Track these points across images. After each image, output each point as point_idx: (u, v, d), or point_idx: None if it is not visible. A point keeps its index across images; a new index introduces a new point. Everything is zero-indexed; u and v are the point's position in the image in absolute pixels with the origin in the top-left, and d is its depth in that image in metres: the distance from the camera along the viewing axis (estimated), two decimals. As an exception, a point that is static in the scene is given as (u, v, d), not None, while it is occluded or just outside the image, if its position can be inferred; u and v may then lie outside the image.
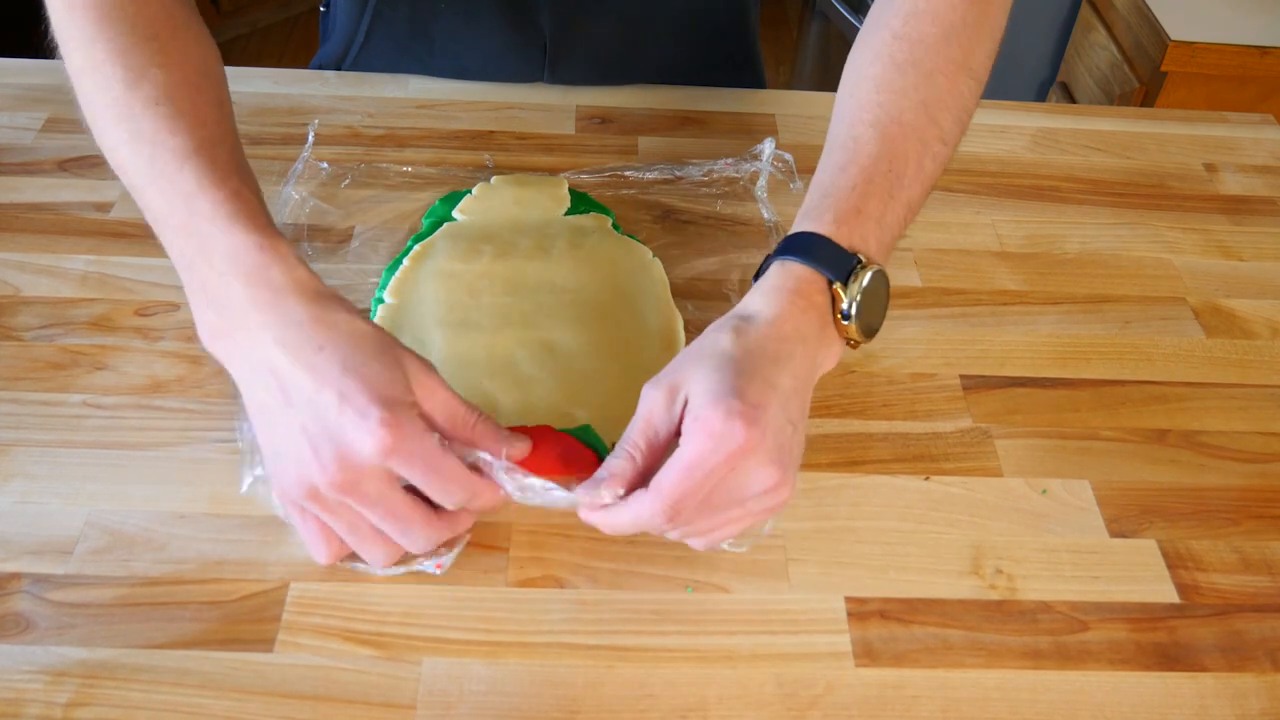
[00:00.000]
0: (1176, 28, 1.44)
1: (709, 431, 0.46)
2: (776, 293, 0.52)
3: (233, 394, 0.61)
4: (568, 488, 0.49)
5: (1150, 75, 1.48)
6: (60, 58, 0.56)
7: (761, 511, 0.50)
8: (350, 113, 0.83)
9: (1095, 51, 1.64)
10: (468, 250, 0.68)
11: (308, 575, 0.53)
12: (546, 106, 0.85)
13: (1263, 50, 1.44)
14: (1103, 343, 0.69)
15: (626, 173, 0.78)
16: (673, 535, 0.51)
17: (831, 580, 0.54)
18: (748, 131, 0.85)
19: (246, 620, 0.51)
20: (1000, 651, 0.52)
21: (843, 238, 0.52)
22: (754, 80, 0.97)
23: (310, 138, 0.78)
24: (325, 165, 0.77)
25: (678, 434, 0.48)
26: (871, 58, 0.58)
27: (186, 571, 0.53)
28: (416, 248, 0.69)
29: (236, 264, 0.49)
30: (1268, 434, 0.64)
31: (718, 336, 0.50)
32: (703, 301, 0.69)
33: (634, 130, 0.84)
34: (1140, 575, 0.56)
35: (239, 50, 2.62)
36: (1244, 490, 0.61)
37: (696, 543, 0.52)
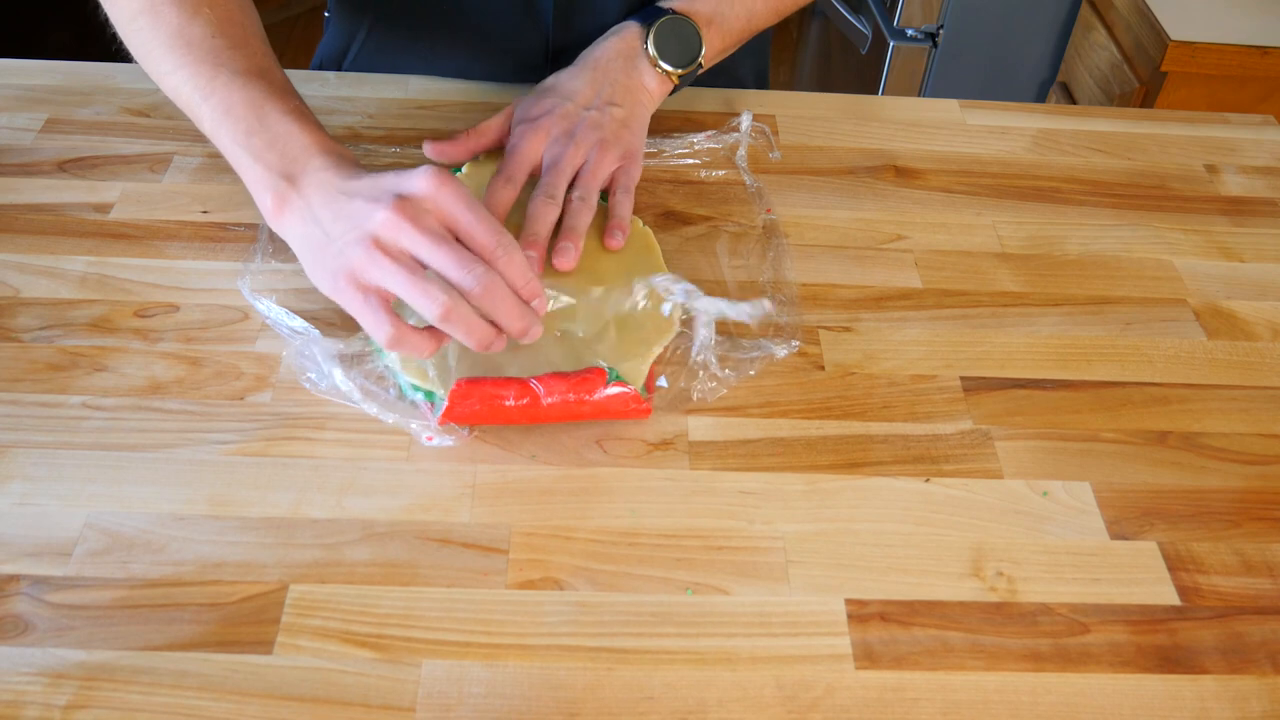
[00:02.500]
0: (1176, 28, 1.44)
1: (524, 130, 0.71)
2: (604, 38, 0.77)
3: (232, 396, 0.61)
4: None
5: (1150, 75, 1.48)
6: (106, 20, 0.68)
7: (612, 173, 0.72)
8: (350, 113, 0.83)
9: (1095, 51, 1.64)
10: None
11: (307, 577, 0.53)
12: (546, 107, 0.85)
13: (1263, 50, 1.44)
14: (1103, 344, 0.69)
15: None
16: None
17: (831, 582, 0.54)
18: (749, 132, 0.84)
19: (245, 622, 0.51)
20: (1001, 654, 0.52)
21: (664, 4, 0.76)
22: (757, 76, 0.97)
23: None
24: None
25: (499, 140, 0.75)
26: None
27: (185, 573, 0.52)
28: None
29: (314, 148, 0.60)
30: (1269, 436, 0.64)
31: (532, 120, 0.72)
32: (693, 267, 0.71)
33: (634, 131, 0.84)
34: (1141, 577, 0.56)
35: (239, 50, 2.61)
36: (1245, 492, 0.61)
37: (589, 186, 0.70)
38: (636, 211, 0.74)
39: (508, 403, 0.57)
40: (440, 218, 0.56)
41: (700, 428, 0.61)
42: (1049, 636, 0.53)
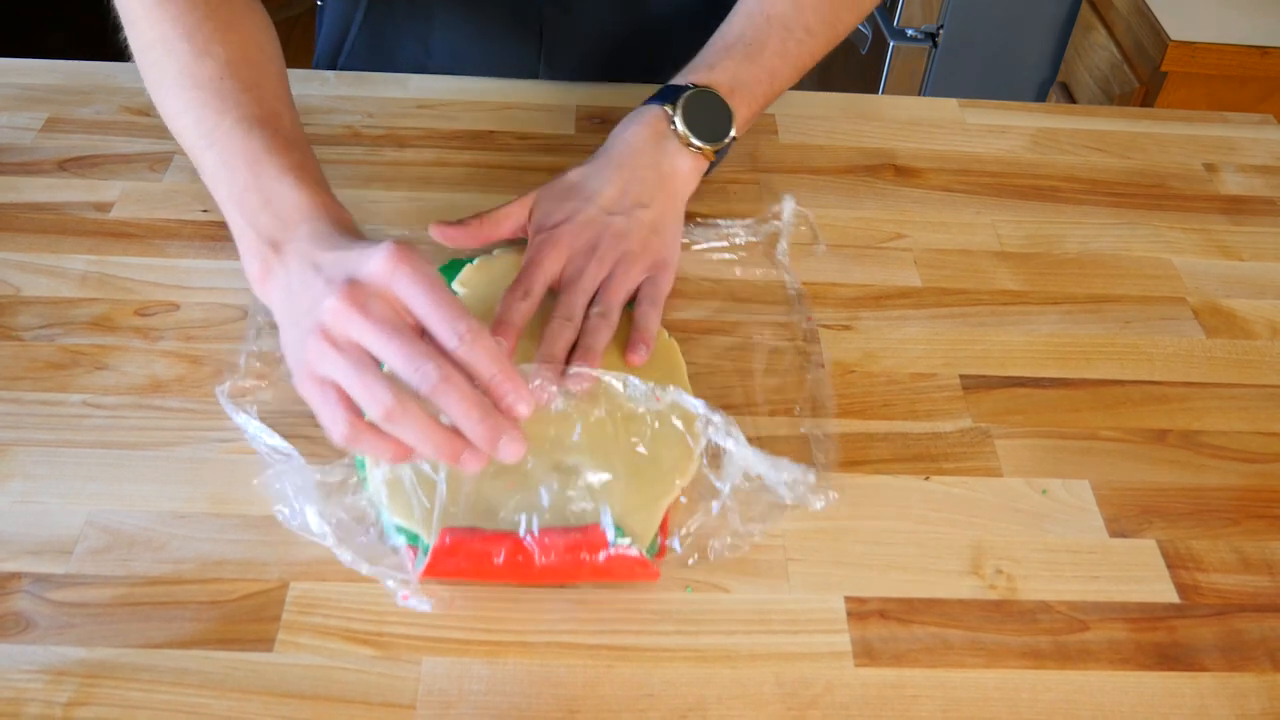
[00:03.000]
0: (1176, 28, 1.44)
1: (540, 241, 0.65)
2: (625, 125, 0.70)
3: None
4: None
5: (1150, 75, 1.48)
6: (125, 42, 0.64)
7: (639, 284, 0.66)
8: (350, 113, 0.83)
9: (1095, 51, 1.64)
10: None
11: (307, 575, 0.53)
12: (547, 106, 0.85)
13: (1263, 50, 1.44)
14: (1103, 343, 0.69)
15: None
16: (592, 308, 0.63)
17: (831, 580, 0.54)
18: (748, 131, 0.84)
19: (246, 620, 0.51)
20: (1000, 651, 0.52)
21: (685, 80, 0.70)
22: None
23: None
24: None
25: (513, 235, 0.69)
26: None
27: (186, 571, 0.53)
28: None
29: (302, 213, 0.56)
30: (1267, 434, 0.64)
31: (573, 169, 0.69)
32: (723, 386, 0.64)
33: (634, 130, 0.84)
34: (1140, 575, 0.56)
35: (239, 50, 2.61)
36: (1244, 490, 0.61)
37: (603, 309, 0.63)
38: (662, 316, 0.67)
39: (497, 560, 0.51)
40: (394, 304, 0.49)
41: (700, 426, 0.61)
42: (1048, 634, 0.53)
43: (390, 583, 0.52)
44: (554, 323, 0.61)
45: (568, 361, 0.60)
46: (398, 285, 0.49)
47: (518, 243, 0.72)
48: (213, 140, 0.58)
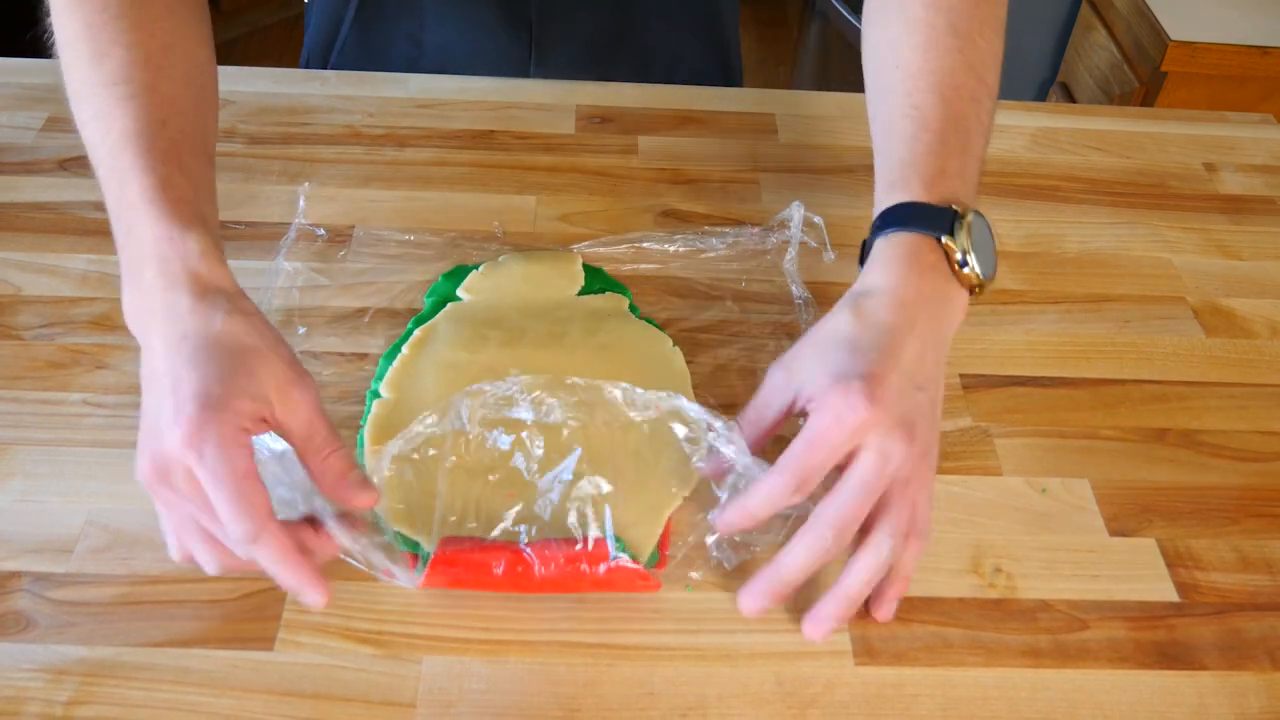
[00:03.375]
0: (1176, 28, 1.44)
1: (830, 406, 0.48)
2: (890, 263, 0.53)
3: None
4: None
5: (1150, 75, 1.48)
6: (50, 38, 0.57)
7: (913, 503, 0.50)
8: (350, 112, 0.83)
9: (1095, 51, 1.64)
10: (472, 336, 0.63)
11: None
12: (546, 106, 0.85)
13: (1263, 50, 1.44)
14: (1102, 342, 0.69)
15: (645, 244, 0.73)
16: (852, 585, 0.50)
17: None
18: (748, 131, 0.85)
19: (247, 619, 0.51)
20: (999, 650, 0.52)
21: (934, 197, 0.54)
22: (730, 70, 0.98)
23: (301, 203, 0.72)
24: (322, 231, 0.72)
25: (788, 416, 0.52)
26: (909, 29, 0.60)
27: (186, 570, 0.52)
28: (417, 332, 0.64)
29: (151, 251, 0.49)
30: (1267, 433, 0.64)
31: (837, 317, 0.52)
32: (728, 390, 0.63)
33: (634, 130, 0.84)
34: (1140, 574, 0.56)
35: (239, 50, 2.62)
36: (1243, 489, 0.61)
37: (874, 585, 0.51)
38: (662, 326, 0.66)
39: (496, 571, 0.51)
40: (195, 483, 0.46)
41: (700, 425, 0.61)
42: (1048, 633, 0.53)
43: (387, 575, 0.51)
44: (814, 533, 0.49)
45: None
46: (190, 465, 0.45)
47: (524, 249, 0.72)
48: (100, 158, 0.53)
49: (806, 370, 0.51)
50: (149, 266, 0.49)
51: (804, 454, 0.48)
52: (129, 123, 0.52)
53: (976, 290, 0.54)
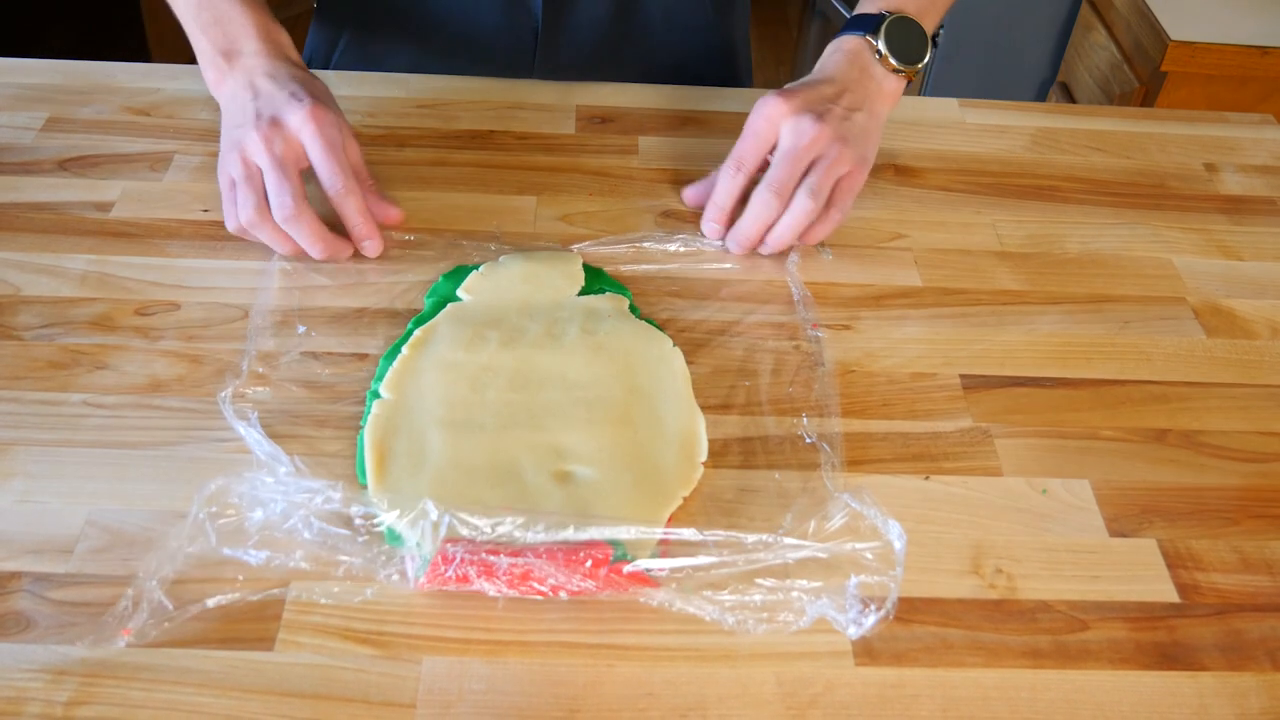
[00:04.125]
0: (1176, 28, 1.44)
1: (754, 110, 0.70)
2: (825, 56, 0.74)
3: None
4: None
5: (1150, 75, 1.48)
6: None
7: (843, 180, 0.70)
8: (350, 112, 0.83)
9: (1095, 51, 1.64)
10: (472, 337, 0.63)
11: (308, 574, 0.53)
12: (547, 106, 0.85)
13: (1263, 50, 1.44)
14: (1103, 342, 0.69)
15: (645, 244, 0.73)
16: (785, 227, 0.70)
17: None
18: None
19: (246, 619, 0.51)
20: (1000, 651, 0.52)
21: (874, 9, 0.74)
22: (737, 71, 0.98)
23: None
24: None
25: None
26: None
27: (186, 572, 0.52)
28: (417, 333, 0.64)
29: (249, 31, 0.70)
30: (1268, 434, 0.64)
31: (782, 91, 0.71)
32: (728, 389, 0.63)
33: (634, 130, 0.84)
34: (1140, 575, 0.56)
35: (239, 50, 2.61)
36: (1244, 490, 0.61)
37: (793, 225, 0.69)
38: (662, 326, 0.67)
39: (496, 572, 0.51)
40: (296, 150, 0.66)
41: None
42: (1048, 633, 0.53)
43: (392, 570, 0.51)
44: (761, 195, 0.69)
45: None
46: (305, 138, 0.66)
47: (524, 249, 0.72)
48: None
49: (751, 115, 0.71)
50: (248, 44, 0.70)
51: (738, 144, 0.71)
52: None
53: (899, 72, 0.73)
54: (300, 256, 0.68)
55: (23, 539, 0.53)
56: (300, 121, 0.65)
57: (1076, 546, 0.57)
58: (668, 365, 0.63)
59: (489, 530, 0.53)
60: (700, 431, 0.59)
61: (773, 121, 0.69)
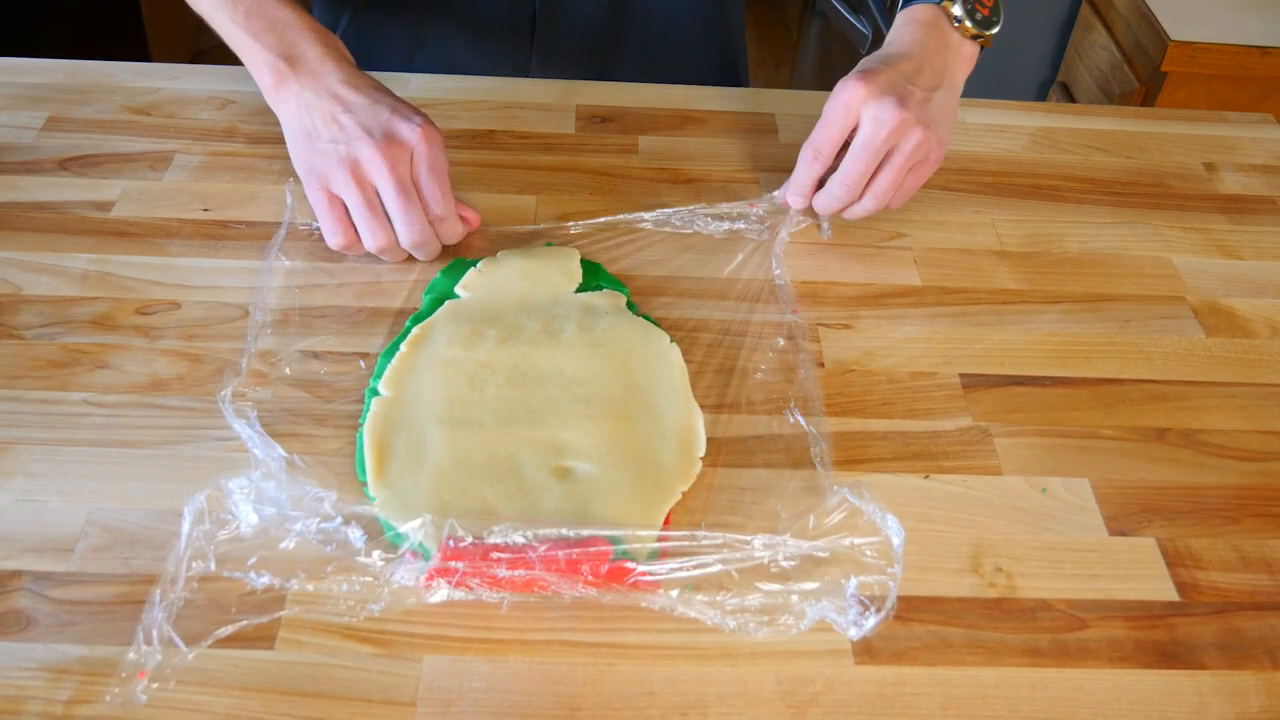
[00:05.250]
0: (1176, 28, 1.44)
1: (833, 94, 0.68)
2: (898, 28, 0.73)
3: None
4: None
5: (1150, 75, 1.48)
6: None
7: (918, 165, 0.70)
8: (351, 112, 0.83)
9: (1095, 51, 1.64)
10: (470, 334, 0.63)
11: (309, 569, 0.53)
12: (547, 106, 0.85)
13: (1263, 50, 1.44)
14: (1102, 341, 0.69)
15: (643, 222, 0.74)
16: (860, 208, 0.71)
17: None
18: (748, 131, 0.85)
19: (247, 617, 0.51)
20: (999, 649, 0.52)
21: None
22: (736, 70, 0.98)
23: (289, 200, 0.73)
24: (318, 226, 0.71)
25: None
26: None
27: (188, 555, 0.52)
28: (415, 330, 0.64)
29: (309, 35, 0.67)
30: (1267, 433, 0.64)
31: (861, 73, 0.69)
32: (721, 386, 0.63)
33: (634, 129, 0.84)
34: (1139, 573, 0.56)
35: (239, 50, 2.61)
36: (1243, 489, 0.61)
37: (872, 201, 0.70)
38: (659, 322, 0.66)
39: (498, 571, 0.51)
40: (413, 170, 0.65)
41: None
42: (1048, 632, 0.53)
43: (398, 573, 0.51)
44: (832, 191, 0.70)
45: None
46: (421, 157, 0.65)
47: (521, 245, 0.72)
48: None
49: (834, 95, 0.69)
50: (312, 48, 0.67)
51: (815, 131, 0.69)
52: None
53: (978, 39, 0.72)
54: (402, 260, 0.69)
55: (23, 538, 0.53)
56: (417, 140, 0.64)
57: (1076, 545, 0.57)
58: (665, 361, 0.63)
59: (490, 531, 0.53)
60: (698, 427, 0.60)
61: (852, 108, 0.67)
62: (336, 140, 0.64)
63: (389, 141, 0.64)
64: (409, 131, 0.64)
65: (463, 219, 0.70)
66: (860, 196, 0.70)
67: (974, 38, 0.72)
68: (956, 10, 0.71)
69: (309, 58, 0.66)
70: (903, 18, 0.73)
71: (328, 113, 0.65)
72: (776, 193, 0.74)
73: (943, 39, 0.71)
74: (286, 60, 0.66)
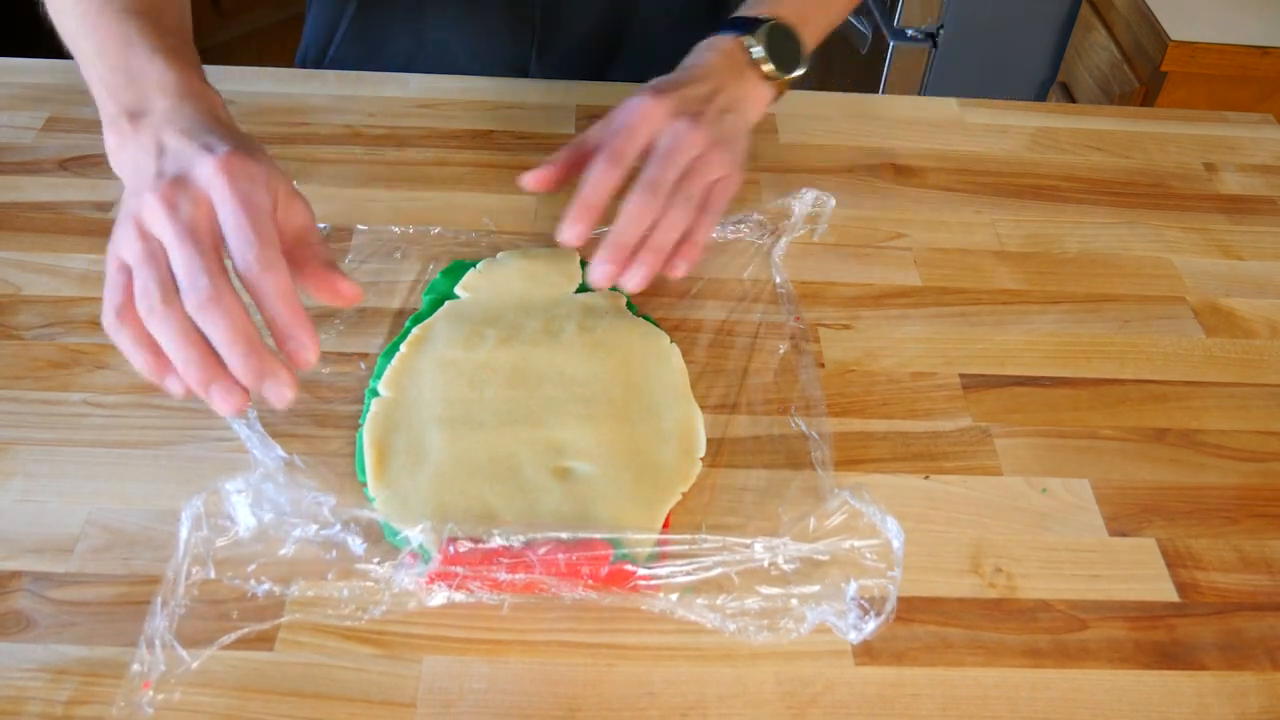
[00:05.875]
0: (1176, 28, 1.44)
1: (626, 105, 0.63)
2: (697, 52, 0.69)
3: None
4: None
5: (1150, 75, 1.48)
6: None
7: (718, 184, 0.64)
8: (350, 112, 0.83)
9: (1095, 51, 1.64)
10: (470, 334, 0.63)
11: (309, 573, 0.53)
12: (546, 106, 0.85)
13: (1263, 50, 1.44)
14: (1102, 342, 0.69)
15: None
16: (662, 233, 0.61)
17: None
18: (748, 131, 0.85)
19: (247, 618, 0.51)
20: (999, 650, 0.52)
21: (754, 13, 0.70)
22: None
23: None
24: (324, 225, 0.72)
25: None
26: None
27: (187, 562, 0.52)
28: (415, 330, 0.63)
29: (165, 88, 0.53)
30: (1267, 433, 0.64)
31: (655, 90, 0.65)
32: (724, 387, 0.63)
33: (634, 130, 0.84)
34: (1139, 574, 0.56)
35: (239, 50, 2.61)
36: (1243, 489, 0.61)
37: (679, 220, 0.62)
38: (659, 323, 0.66)
39: (498, 573, 0.50)
40: (209, 213, 0.48)
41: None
42: (1048, 632, 0.53)
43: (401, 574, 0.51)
44: (638, 196, 0.60)
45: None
46: (216, 192, 0.48)
47: (521, 246, 0.72)
48: (92, 28, 0.56)
49: (617, 111, 0.64)
50: (162, 100, 0.53)
51: (610, 140, 0.62)
52: (132, 3, 0.57)
53: (773, 80, 0.69)
54: (210, 377, 0.47)
55: (23, 538, 0.53)
56: (210, 173, 0.48)
57: (1076, 546, 0.57)
58: (665, 362, 0.63)
59: (490, 532, 0.53)
60: (698, 428, 0.60)
61: (649, 120, 0.62)
62: (130, 196, 0.51)
63: (175, 183, 0.48)
64: (204, 164, 0.49)
65: (331, 289, 0.52)
66: (665, 212, 0.61)
67: (768, 79, 0.69)
68: (755, 50, 0.68)
69: (155, 111, 0.53)
70: (703, 45, 0.70)
71: (142, 166, 0.51)
72: (562, 232, 0.61)
73: (739, 72, 0.68)
74: (130, 117, 0.53)
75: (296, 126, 0.81)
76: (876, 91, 1.80)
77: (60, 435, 0.58)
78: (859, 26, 1.83)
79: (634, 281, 0.60)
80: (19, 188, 0.74)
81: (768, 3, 0.72)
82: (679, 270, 0.62)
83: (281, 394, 0.46)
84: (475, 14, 0.88)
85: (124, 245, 0.49)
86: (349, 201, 0.75)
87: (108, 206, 0.73)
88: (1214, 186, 0.83)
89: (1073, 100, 1.70)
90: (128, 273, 0.48)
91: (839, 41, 1.94)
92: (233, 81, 0.84)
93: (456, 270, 0.69)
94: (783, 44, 0.69)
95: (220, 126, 0.52)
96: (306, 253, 0.52)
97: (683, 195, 0.61)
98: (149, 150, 0.51)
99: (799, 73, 0.70)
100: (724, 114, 0.65)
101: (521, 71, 0.91)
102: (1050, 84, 1.79)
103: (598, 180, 0.60)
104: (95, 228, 0.71)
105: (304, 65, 0.96)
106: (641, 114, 0.62)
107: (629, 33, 0.92)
